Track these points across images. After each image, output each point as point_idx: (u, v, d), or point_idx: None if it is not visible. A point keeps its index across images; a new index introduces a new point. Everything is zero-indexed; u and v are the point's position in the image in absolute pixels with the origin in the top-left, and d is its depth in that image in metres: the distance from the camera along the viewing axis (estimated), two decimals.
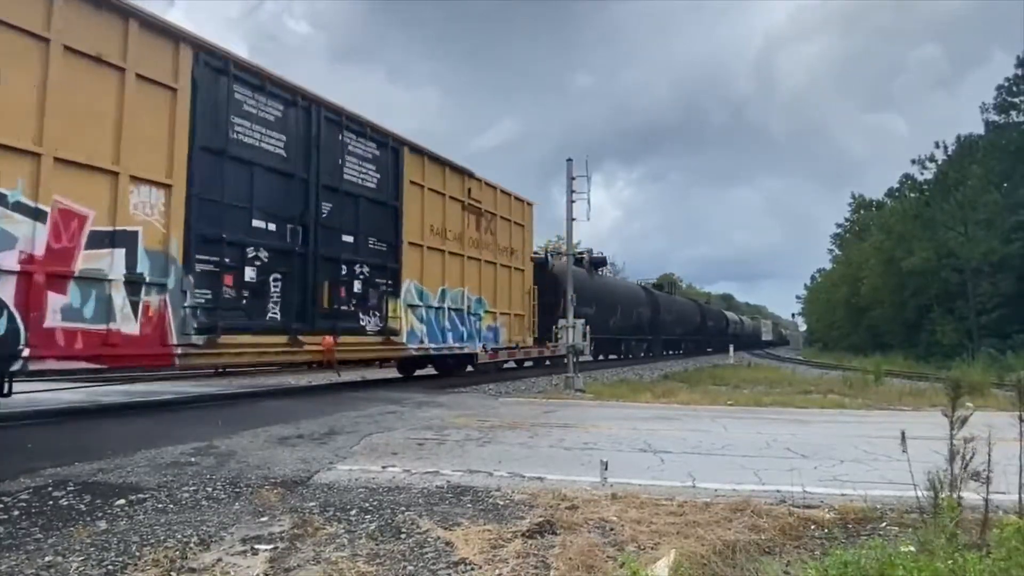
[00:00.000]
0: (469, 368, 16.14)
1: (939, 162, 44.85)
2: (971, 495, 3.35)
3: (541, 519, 3.85)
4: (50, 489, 4.55)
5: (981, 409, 8.53)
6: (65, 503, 4.28)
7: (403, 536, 3.62)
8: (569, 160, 14.79)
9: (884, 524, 3.85)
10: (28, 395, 8.89)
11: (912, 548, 2.74)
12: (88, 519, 3.96)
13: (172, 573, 3.10)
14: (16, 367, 6.45)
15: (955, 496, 3.18)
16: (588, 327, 15.10)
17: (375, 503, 4.30)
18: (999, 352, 28.89)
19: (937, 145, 44.82)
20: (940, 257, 40.13)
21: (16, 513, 4.04)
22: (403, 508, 4.17)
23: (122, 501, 4.31)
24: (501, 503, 4.32)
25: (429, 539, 3.55)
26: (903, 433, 3.51)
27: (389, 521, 3.88)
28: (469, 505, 4.29)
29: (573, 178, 14.75)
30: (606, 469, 4.91)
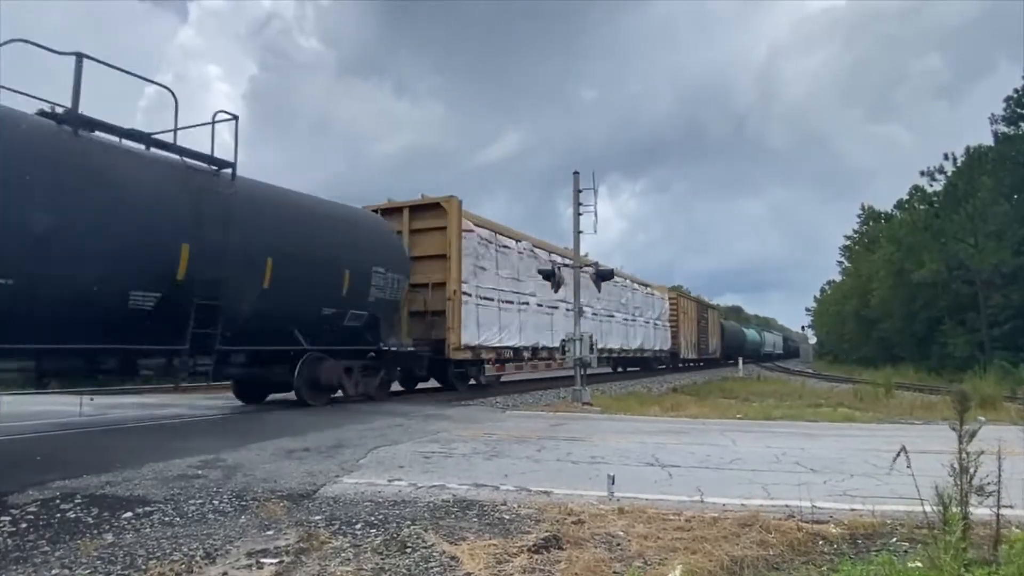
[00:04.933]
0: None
1: (948, 173, 44.67)
2: (982, 510, 3.31)
3: (547, 534, 3.82)
4: (58, 502, 4.57)
5: (993, 422, 8.45)
6: (72, 516, 4.29)
7: (408, 550, 3.61)
8: (576, 173, 14.82)
9: (894, 539, 3.80)
10: (39, 407, 8.94)
11: (919, 563, 2.71)
12: (95, 532, 3.97)
13: None
14: None
15: (963, 511, 3.15)
16: (594, 339, 15.06)
17: (381, 517, 4.30)
18: (1011, 364, 28.58)
19: (946, 156, 44.64)
20: (951, 269, 39.85)
21: (24, 526, 4.06)
22: (409, 522, 4.16)
23: (129, 514, 4.33)
24: (507, 517, 4.30)
25: (434, 553, 3.54)
26: (903, 448, 3.47)
27: (394, 535, 3.87)
28: (475, 519, 4.27)
29: (580, 191, 14.77)
30: (613, 483, 4.89)
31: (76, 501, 4.59)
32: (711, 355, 43.78)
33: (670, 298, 34.22)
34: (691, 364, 39.69)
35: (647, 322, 29.51)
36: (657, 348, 30.76)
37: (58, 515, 4.29)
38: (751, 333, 67.56)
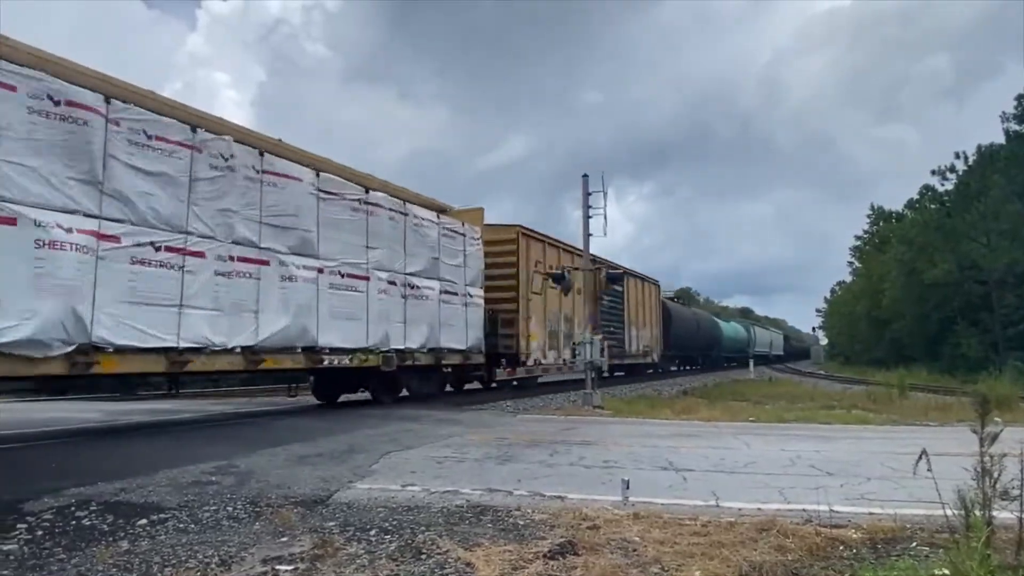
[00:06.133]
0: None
1: (959, 172, 44.33)
2: (1004, 514, 3.26)
3: (562, 539, 3.80)
4: (73, 509, 4.58)
5: (1010, 424, 8.34)
6: (88, 523, 4.30)
7: (423, 557, 3.59)
8: (585, 176, 14.80)
9: (914, 544, 3.76)
10: (52, 414, 8.99)
11: (946, 571, 2.66)
12: (110, 539, 3.98)
13: None
14: None
15: (987, 515, 3.10)
16: (606, 343, 15.01)
17: (395, 523, 4.28)
18: None
19: (957, 155, 44.29)
20: (963, 269, 39.49)
21: (40, 533, 4.07)
22: (423, 528, 4.15)
23: (144, 521, 4.33)
24: (521, 523, 4.28)
25: (449, 560, 3.52)
26: (924, 451, 3.42)
27: (409, 541, 3.86)
28: (489, 525, 4.25)
29: (589, 194, 14.75)
30: (627, 488, 4.85)
31: (91, 508, 4.60)
32: (637, 357, 26.11)
33: (502, 241, 16.65)
34: (611, 375, 24.18)
35: (403, 286, 12.79)
36: (445, 346, 13.92)
37: (73, 522, 4.30)
38: (731, 328, 51.25)
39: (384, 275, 12.21)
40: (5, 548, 3.75)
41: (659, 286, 30.31)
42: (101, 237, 7.50)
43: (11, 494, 4.89)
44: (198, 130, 8.89)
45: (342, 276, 11.22)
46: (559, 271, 15.77)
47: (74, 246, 7.17)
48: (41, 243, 6.86)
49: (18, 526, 4.17)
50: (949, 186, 45.90)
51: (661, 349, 29.68)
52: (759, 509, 4.55)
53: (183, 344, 8.33)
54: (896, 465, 6.15)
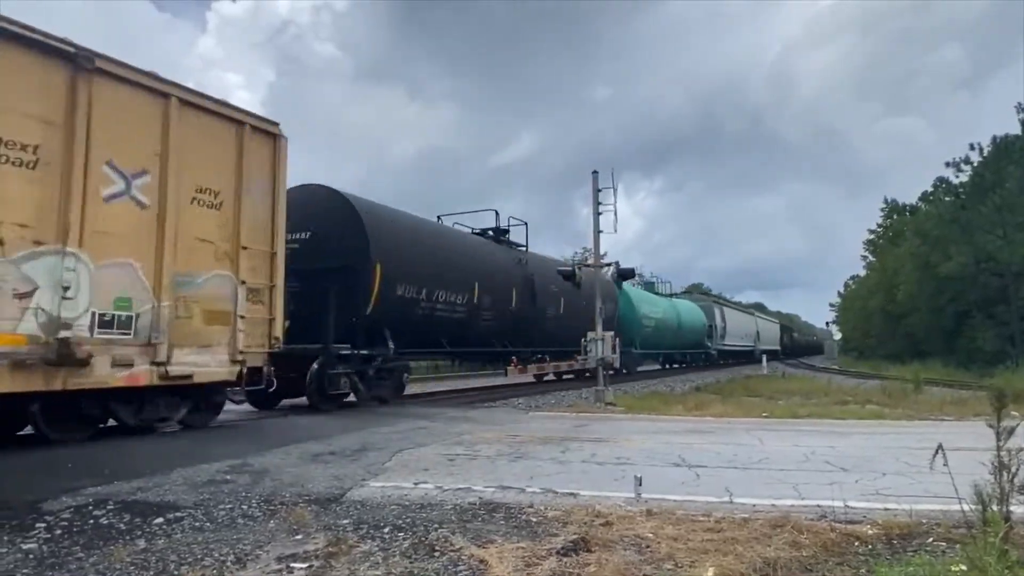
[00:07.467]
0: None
1: (974, 164, 43.76)
2: (1022, 509, 3.23)
3: (575, 536, 3.80)
4: (91, 508, 4.63)
5: None
6: (105, 522, 4.35)
7: (437, 554, 3.60)
8: (595, 173, 14.77)
9: (930, 540, 3.73)
10: None
11: (963, 567, 2.64)
12: (128, 538, 4.02)
13: None
14: None
15: (1004, 510, 3.07)
16: (618, 339, 14.97)
17: (408, 520, 4.30)
18: None
19: (972, 147, 43.69)
20: (978, 261, 39.03)
21: (58, 532, 4.12)
22: (436, 525, 4.16)
23: (160, 520, 4.37)
24: (534, 520, 4.29)
25: (463, 557, 3.53)
26: (940, 446, 3.39)
27: (422, 539, 3.87)
28: (502, 522, 4.26)
29: (599, 190, 14.71)
30: (640, 484, 4.85)
31: (108, 507, 4.65)
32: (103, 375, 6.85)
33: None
34: None
35: None
36: None
37: (91, 521, 4.35)
38: (667, 307, 30.95)
39: None
40: (25, 547, 3.80)
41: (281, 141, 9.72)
42: None
43: (30, 493, 4.96)
44: None
45: None
46: (571, 270, 15.70)
47: None
48: None
49: (37, 525, 4.22)
50: (964, 178, 45.28)
51: (262, 340, 9.14)
52: (773, 505, 4.53)
53: None
54: (911, 460, 6.10)
